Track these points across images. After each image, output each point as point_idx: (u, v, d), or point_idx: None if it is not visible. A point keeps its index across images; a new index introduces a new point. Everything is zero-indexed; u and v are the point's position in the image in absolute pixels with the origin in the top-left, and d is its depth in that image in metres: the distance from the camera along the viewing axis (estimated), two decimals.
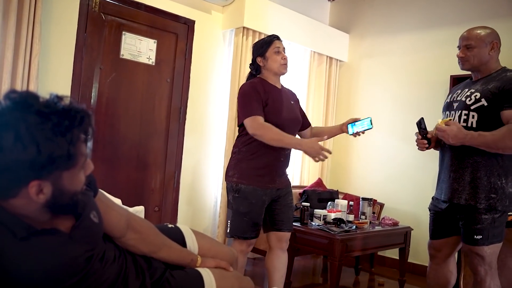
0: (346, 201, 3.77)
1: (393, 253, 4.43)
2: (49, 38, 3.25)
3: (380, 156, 4.91)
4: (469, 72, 2.51)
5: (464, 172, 2.34)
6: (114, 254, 1.46)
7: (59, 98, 1.11)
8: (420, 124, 2.48)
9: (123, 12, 3.66)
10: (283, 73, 2.72)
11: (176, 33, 4.02)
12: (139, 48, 3.77)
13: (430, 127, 2.53)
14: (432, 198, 2.63)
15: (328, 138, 2.97)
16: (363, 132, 2.74)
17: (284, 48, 2.72)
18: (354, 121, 2.77)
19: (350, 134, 2.77)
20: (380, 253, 4.61)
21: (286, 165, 2.77)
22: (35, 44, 3.04)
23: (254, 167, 2.61)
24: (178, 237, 1.79)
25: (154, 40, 3.86)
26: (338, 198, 4.30)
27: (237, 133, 2.82)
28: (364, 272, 4.40)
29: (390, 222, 3.89)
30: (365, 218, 3.76)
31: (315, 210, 3.67)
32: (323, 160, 2.47)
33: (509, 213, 2.40)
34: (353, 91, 5.26)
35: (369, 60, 5.15)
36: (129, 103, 3.73)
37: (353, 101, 5.24)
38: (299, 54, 5.02)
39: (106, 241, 1.47)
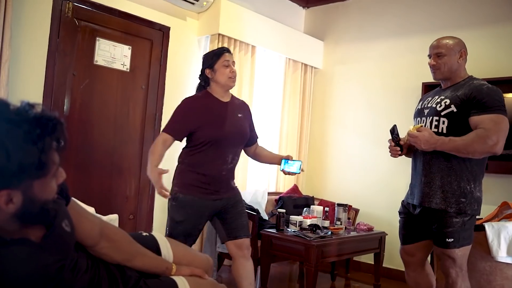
0: (321, 207, 3.80)
1: (368, 258, 4.47)
2: (20, 43, 3.18)
3: (354, 162, 4.97)
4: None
5: (435, 176, 2.40)
6: (87, 263, 1.43)
7: (31, 105, 1.08)
8: (393, 131, 2.52)
9: (97, 17, 3.62)
10: (231, 87, 2.72)
11: (151, 40, 3.99)
12: (114, 55, 3.73)
13: (403, 133, 2.58)
14: (402, 202, 2.68)
15: (267, 163, 3.03)
16: (291, 174, 2.76)
17: (233, 62, 2.73)
18: (288, 158, 2.79)
19: (281, 170, 2.81)
20: (355, 258, 4.65)
21: (231, 177, 2.76)
22: (5, 49, 2.96)
23: (196, 179, 2.62)
24: (152, 245, 1.77)
25: (129, 47, 3.83)
26: (313, 204, 4.33)
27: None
28: (340, 277, 4.43)
29: (365, 227, 3.93)
30: (341, 224, 3.79)
31: (290, 216, 3.68)
32: (162, 195, 2.47)
33: (477, 217, 2.46)
34: (327, 98, 5.31)
35: (343, 67, 5.21)
36: (103, 110, 3.68)
37: (328, 108, 5.29)
38: (274, 61, 5.05)
39: (79, 250, 1.45)
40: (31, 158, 1.04)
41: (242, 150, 2.88)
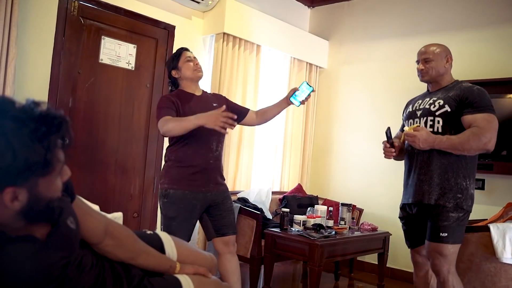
0: (325, 207, 3.79)
1: (372, 258, 4.47)
2: (26, 41, 3.20)
3: (359, 162, 4.96)
4: None
5: (433, 174, 2.47)
6: (92, 261, 1.44)
7: (36, 103, 1.09)
8: (388, 133, 2.64)
9: (102, 16, 3.63)
10: (199, 77, 2.82)
11: (156, 38, 4.00)
12: (119, 53, 3.74)
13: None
14: (400, 207, 2.71)
15: (277, 113, 2.98)
16: (308, 98, 2.81)
17: (195, 57, 2.83)
18: (294, 91, 2.81)
19: (298, 106, 2.85)
20: (359, 258, 4.65)
21: (218, 168, 2.81)
22: (11, 47, 2.98)
23: (185, 172, 2.68)
24: (156, 243, 1.78)
25: (134, 45, 3.83)
26: (317, 204, 4.33)
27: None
28: (344, 277, 4.43)
29: (369, 227, 3.93)
30: (345, 224, 3.79)
31: (294, 215, 3.68)
32: (228, 126, 2.44)
33: (481, 218, 2.48)
34: (332, 97, 5.30)
35: (348, 67, 5.20)
36: (108, 108, 3.69)
37: (332, 108, 5.28)
38: (279, 60, 5.05)
39: (84, 247, 1.45)
40: (37, 156, 1.05)
41: (250, 124, 3.03)
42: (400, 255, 4.30)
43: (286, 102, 2.87)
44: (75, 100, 3.49)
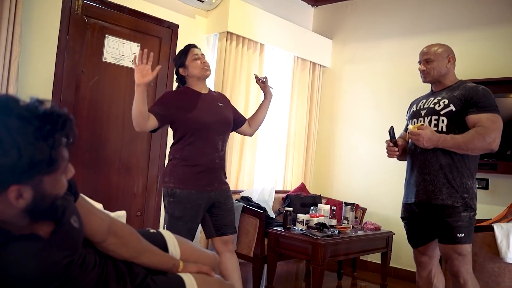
0: (328, 206, 3.79)
1: (375, 258, 4.46)
2: (30, 39, 3.20)
3: (362, 161, 4.95)
4: None
5: (438, 174, 2.46)
6: (95, 259, 1.44)
7: (40, 101, 1.09)
8: (391, 132, 2.65)
9: (106, 15, 3.63)
10: (206, 76, 2.79)
11: (159, 37, 4.00)
12: (122, 52, 3.74)
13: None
14: (403, 205, 2.70)
15: (264, 114, 3.05)
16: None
17: (202, 54, 2.80)
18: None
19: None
20: (362, 257, 4.64)
21: (222, 167, 2.81)
22: (15, 46, 2.98)
23: (190, 172, 2.66)
24: (160, 242, 1.78)
25: (138, 44, 3.84)
26: (320, 203, 4.32)
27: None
28: (347, 276, 4.42)
29: (372, 226, 3.92)
30: (348, 223, 3.78)
31: (298, 215, 3.68)
32: (148, 77, 2.44)
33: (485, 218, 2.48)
34: (336, 96, 5.30)
35: (351, 66, 5.19)
36: (111, 107, 3.69)
37: (336, 106, 5.28)
38: (282, 59, 5.05)
39: (87, 246, 1.45)
40: (42, 154, 1.05)
41: (245, 133, 3.05)
42: (403, 255, 4.29)
43: (267, 99, 2.99)
44: (78, 98, 3.49)
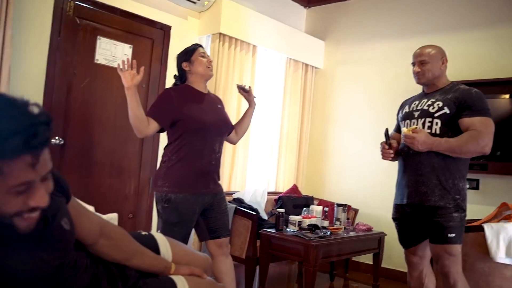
0: (321, 207, 3.80)
1: (367, 259, 4.48)
2: (21, 41, 3.18)
3: (354, 162, 4.97)
4: None
5: (431, 176, 2.47)
6: (86, 262, 1.44)
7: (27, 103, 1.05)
8: (387, 133, 2.65)
9: (98, 16, 3.62)
10: (210, 75, 2.75)
11: (152, 39, 4.00)
12: (114, 53, 3.73)
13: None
14: (394, 206, 2.72)
15: (249, 121, 3.01)
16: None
17: (208, 55, 2.78)
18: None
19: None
20: (354, 258, 4.66)
21: (217, 170, 2.76)
22: (6, 47, 2.96)
23: (186, 174, 2.58)
24: (151, 244, 1.78)
25: (130, 45, 3.83)
26: (313, 204, 4.33)
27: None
28: (339, 277, 4.44)
29: (364, 227, 3.94)
30: (340, 224, 3.80)
31: (290, 216, 3.68)
32: (137, 78, 2.48)
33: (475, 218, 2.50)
34: (328, 98, 5.31)
35: (344, 67, 5.22)
36: (103, 109, 3.68)
37: (328, 108, 5.29)
38: (275, 61, 5.06)
39: (79, 249, 1.45)
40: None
41: (231, 141, 2.98)
42: (394, 255, 4.31)
43: (250, 107, 2.94)
44: (70, 100, 3.48)
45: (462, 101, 2.43)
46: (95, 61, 3.62)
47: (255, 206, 4.00)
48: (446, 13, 4.45)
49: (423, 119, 2.54)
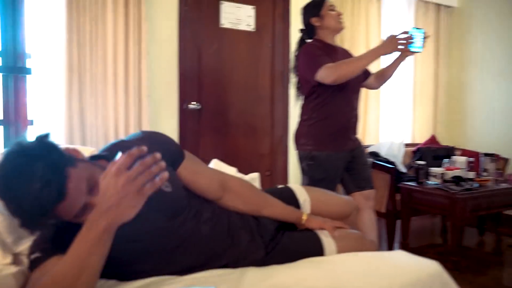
0: (464, 158, 3.51)
1: None
2: (153, 16, 3.35)
3: (498, 107, 4.50)
4: None
5: None
6: (211, 215, 1.49)
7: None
8: None
9: None
10: (341, 28, 2.62)
11: None
12: (238, 16, 3.77)
13: None
14: None
15: (394, 71, 2.73)
16: (426, 38, 2.49)
17: (335, 6, 2.63)
18: (407, 43, 2.41)
19: (422, 50, 2.51)
20: (507, 212, 4.27)
21: (356, 125, 2.70)
22: (142, 24, 3.15)
23: (328, 132, 2.56)
24: (288, 195, 1.79)
25: (253, 6, 3.83)
26: (454, 155, 4.03)
27: None
28: (490, 232, 4.12)
29: None
30: (488, 175, 3.48)
31: (431, 168, 3.47)
32: (406, 48, 2.34)
33: None
34: (465, 39, 4.84)
35: (482, 2, 4.67)
36: (233, 72, 3.77)
37: (466, 50, 4.83)
38: (402, 4, 4.69)
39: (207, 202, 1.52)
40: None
41: (370, 86, 2.86)
42: None
43: (402, 56, 2.62)
44: (202, 67, 3.62)
45: None
46: (221, 26, 3.69)
47: (392, 159, 3.83)
48: None
49: None
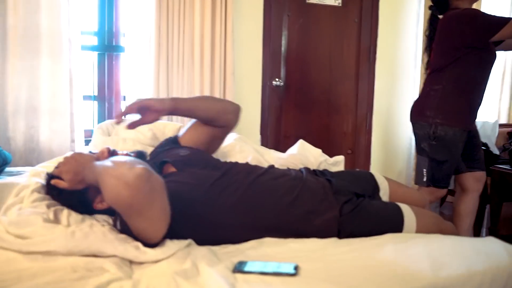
0: None
1: None
2: None
3: None
4: None
5: None
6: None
7: None
8: None
9: None
10: None
11: None
12: None
13: None
14: None
15: None
16: None
17: None
18: None
19: None
20: None
21: (481, 104, 2.57)
22: (229, 2, 3.18)
23: (461, 106, 2.42)
24: (368, 177, 1.80)
25: None
26: None
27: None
28: None
29: None
30: None
31: None
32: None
33: None
34: None
35: None
36: (318, 48, 3.74)
37: None
38: None
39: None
40: None
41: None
42: None
43: None
44: (287, 42, 3.62)
45: None
46: (307, 1, 3.65)
47: (484, 140, 3.62)
48: None
49: None
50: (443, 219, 1.77)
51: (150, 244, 1.31)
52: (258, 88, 3.54)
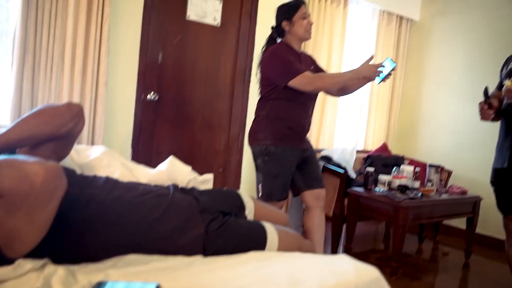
0: (412, 167, 3.66)
1: (459, 223, 4.29)
2: (118, 0, 3.30)
3: (449, 121, 4.71)
4: None
5: None
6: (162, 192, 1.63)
7: None
8: (486, 92, 2.44)
9: None
10: (307, 39, 2.74)
11: None
12: (205, 9, 3.76)
13: None
14: (493, 170, 2.55)
15: (357, 89, 2.86)
16: (389, 76, 2.55)
17: (309, 14, 2.70)
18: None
19: (378, 83, 2.66)
20: (445, 222, 4.48)
21: (308, 131, 2.83)
22: (106, 6, 3.09)
23: (286, 128, 2.64)
24: (234, 196, 1.85)
25: (220, 1, 3.83)
26: (403, 164, 4.18)
27: None
28: (428, 240, 4.31)
29: (458, 190, 3.75)
30: (432, 186, 3.65)
31: (379, 175, 3.60)
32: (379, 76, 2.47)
33: None
34: (424, 53, 5.01)
35: (442, 19, 4.86)
36: (194, 65, 3.76)
37: (423, 64, 5.01)
38: (367, 14, 4.82)
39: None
40: None
41: (328, 93, 2.97)
42: (491, 221, 4.08)
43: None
44: (164, 57, 3.59)
45: None
46: (187, 18, 3.67)
47: (343, 165, 3.94)
48: None
49: None
50: (303, 238, 1.89)
51: (5, 259, 1.19)
52: (132, 100, 3.44)
